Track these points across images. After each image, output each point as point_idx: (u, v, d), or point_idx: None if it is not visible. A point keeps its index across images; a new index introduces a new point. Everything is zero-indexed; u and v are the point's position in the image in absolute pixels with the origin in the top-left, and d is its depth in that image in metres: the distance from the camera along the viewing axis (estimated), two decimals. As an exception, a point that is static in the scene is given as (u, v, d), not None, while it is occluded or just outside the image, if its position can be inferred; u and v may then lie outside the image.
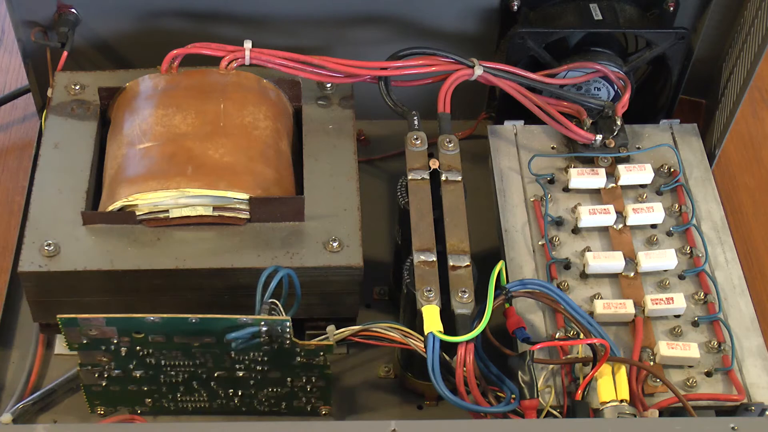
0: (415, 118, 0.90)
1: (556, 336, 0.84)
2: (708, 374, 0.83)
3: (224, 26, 1.01)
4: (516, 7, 0.99)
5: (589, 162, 0.95)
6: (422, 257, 0.82)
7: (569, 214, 0.92)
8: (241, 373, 0.83)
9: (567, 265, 0.89)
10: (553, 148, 0.97)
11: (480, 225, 0.93)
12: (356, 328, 0.80)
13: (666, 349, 0.83)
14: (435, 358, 0.76)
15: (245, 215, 0.86)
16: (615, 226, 0.91)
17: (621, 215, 0.91)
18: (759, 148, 1.14)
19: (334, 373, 0.89)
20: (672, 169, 0.95)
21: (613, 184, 0.93)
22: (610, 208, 0.91)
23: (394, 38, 1.02)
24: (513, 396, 0.78)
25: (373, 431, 0.70)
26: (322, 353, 0.81)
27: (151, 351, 0.81)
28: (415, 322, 0.81)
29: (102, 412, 0.87)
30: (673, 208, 0.93)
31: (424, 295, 0.79)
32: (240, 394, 0.85)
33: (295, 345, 0.80)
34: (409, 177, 0.87)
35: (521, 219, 0.92)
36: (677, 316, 0.86)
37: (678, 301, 0.86)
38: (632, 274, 0.88)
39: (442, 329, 0.77)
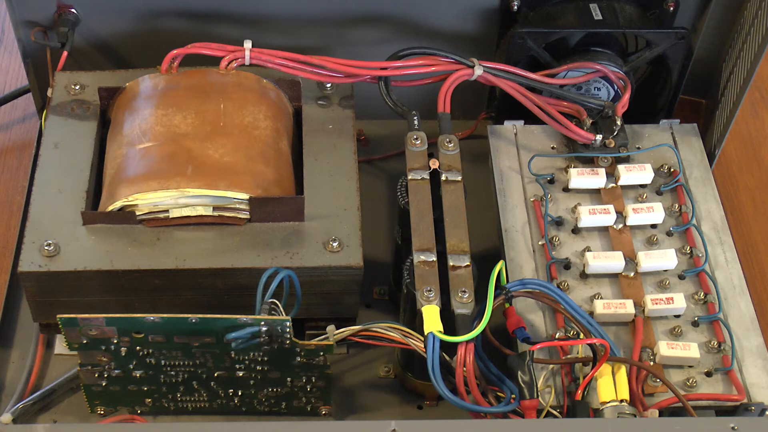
0: (415, 118, 0.90)
1: (556, 336, 0.84)
2: (708, 374, 0.83)
3: (224, 26, 1.01)
4: (516, 7, 0.99)
5: (589, 162, 0.95)
6: (422, 257, 0.82)
7: (569, 214, 0.92)
8: (241, 373, 0.83)
9: (567, 265, 0.89)
10: (553, 148, 0.97)
11: (480, 225, 0.93)
12: (356, 328, 0.80)
13: (666, 349, 0.83)
14: (435, 358, 0.76)
15: (245, 215, 0.86)
16: (615, 226, 0.91)
17: (621, 215, 0.91)
18: (759, 147, 1.14)
19: (334, 373, 0.89)
20: (672, 169, 0.95)
21: (613, 184, 0.93)
22: (610, 208, 0.91)
23: (394, 38, 1.02)
24: (513, 396, 0.78)
25: (373, 431, 0.70)
26: (322, 353, 0.81)
27: (151, 351, 0.81)
28: (415, 322, 0.81)
29: (102, 412, 0.87)
30: (673, 208, 0.93)
31: (424, 295, 0.79)
32: (240, 394, 0.85)
33: (295, 345, 0.80)
34: (409, 177, 0.87)
35: (521, 219, 0.92)
36: (677, 316, 0.86)
37: (678, 301, 0.86)
38: (632, 274, 0.88)
39: (442, 329, 0.77)
